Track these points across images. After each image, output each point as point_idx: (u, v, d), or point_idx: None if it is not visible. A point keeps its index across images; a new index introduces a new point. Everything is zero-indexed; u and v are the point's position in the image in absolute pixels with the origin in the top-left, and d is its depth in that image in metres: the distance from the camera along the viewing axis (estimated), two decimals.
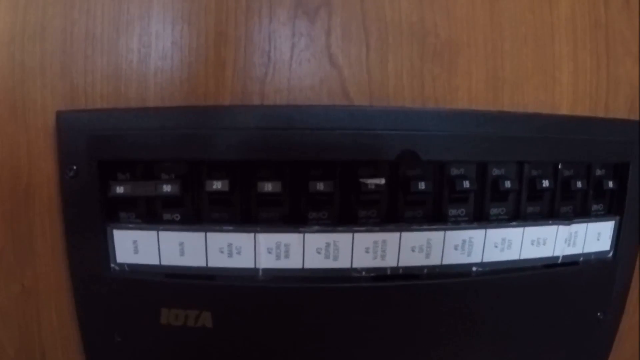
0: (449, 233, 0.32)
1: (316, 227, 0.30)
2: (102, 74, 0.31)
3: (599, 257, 0.37)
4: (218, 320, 0.30)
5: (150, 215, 0.31)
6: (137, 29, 0.31)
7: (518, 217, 0.34)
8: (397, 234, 0.31)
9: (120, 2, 0.31)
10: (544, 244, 0.34)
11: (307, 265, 0.31)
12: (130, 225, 0.30)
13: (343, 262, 0.31)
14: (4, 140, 0.32)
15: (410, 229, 0.31)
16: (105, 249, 0.30)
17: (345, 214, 0.31)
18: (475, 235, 0.32)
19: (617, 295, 0.38)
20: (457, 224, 0.32)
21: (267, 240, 0.30)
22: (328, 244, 0.30)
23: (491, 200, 0.33)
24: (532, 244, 0.34)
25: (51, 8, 0.31)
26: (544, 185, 0.33)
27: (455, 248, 0.32)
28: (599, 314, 0.38)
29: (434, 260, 0.32)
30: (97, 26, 0.31)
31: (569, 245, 0.35)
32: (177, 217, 0.30)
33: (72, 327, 0.33)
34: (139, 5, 0.31)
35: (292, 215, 0.31)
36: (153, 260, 0.30)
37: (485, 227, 0.33)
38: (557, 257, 0.35)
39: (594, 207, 0.37)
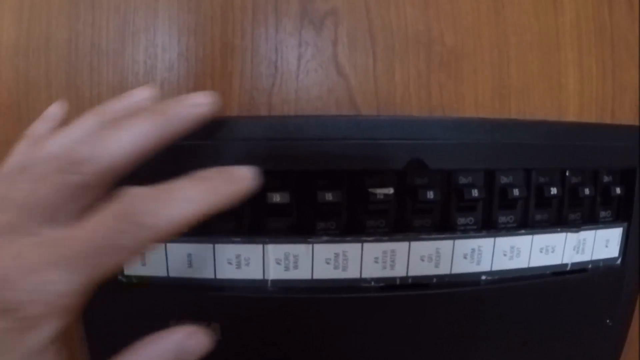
0: (458, 242, 0.32)
1: (325, 238, 0.30)
2: (107, 85, 0.31)
3: (607, 263, 0.37)
4: (227, 331, 0.30)
5: None
6: (142, 40, 0.31)
7: (526, 225, 0.34)
8: (406, 244, 0.31)
9: (125, 14, 0.31)
10: (553, 251, 0.34)
11: (316, 276, 0.30)
12: None
13: (352, 273, 0.30)
14: (8, 154, 0.31)
15: (419, 239, 0.31)
16: None
17: (353, 224, 0.31)
18: (484, 243, 0.32)
19: (626, 302, 0.38)
20: (465, 232, 0.32)
21: (276, 251, 0.30)
22: (337, 254, 0.30)
23: (499, 208, 0.33)
24: (541, 251, 0.34)
25: (56, 20, 0.31)
26: (551, 192, 0.33)
27: (464, 257, 0.32)
28: (607, 320, 0.37)
29: (443, 269, 0.32)
30: (103, 38, 0.31)
31: (577, 252, 0.35)
32: None
33: (77, 339, 0.33)
34: (145, 17, 0.31)
35: (301, 226, 0.30)
36: (161, 272, 0.30)
37: (494, 236, 0.32)
38: (566, 265, 0.35)
39: (602, 213, 0.37)
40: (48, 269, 0.19)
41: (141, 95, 0.26)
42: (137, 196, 0.20)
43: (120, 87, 0.31)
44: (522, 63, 0.34)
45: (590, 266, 0.36)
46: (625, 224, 0.37)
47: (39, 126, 0.26)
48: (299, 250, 0.30)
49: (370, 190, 0.30)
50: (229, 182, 0.23)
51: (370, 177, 0.30)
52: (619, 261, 0.37)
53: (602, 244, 0.36)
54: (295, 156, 0.28)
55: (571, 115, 0.35)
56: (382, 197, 0.30)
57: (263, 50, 0.31)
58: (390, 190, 0.30)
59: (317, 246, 0.30)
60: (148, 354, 0.22)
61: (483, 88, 0.33)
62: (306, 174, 0.29)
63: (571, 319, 0.36)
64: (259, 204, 0.28)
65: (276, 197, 0.29)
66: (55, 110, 0.27)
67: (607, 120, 0.36)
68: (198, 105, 0.24)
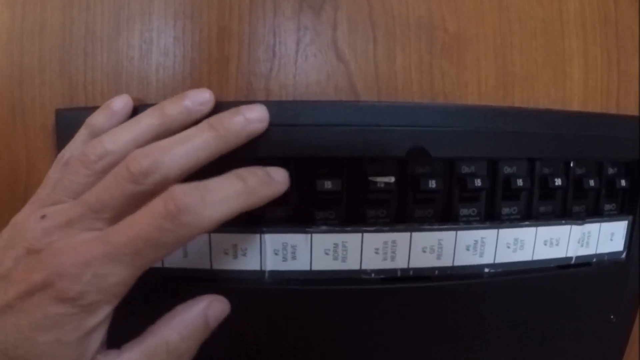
0: (460, 233, 0.31)
1: (324, 227, 0.29)
2: (102, 71, 0.30)
3: (612, 257, 0.36)
4: (222, 323, 0.29)
5: None
6: (138, 24, 0.30)
7: (530, 216, 0.33)
8: (407, 234, 0.30)
9: None
10: (557, 244, 0.34)
11: (315, 267, 0.30)
12: None
13: (352, 264, 0.30)
14: (1, 141, 0.31)
15: (421, 229, 0.30)
16: None
17: (353, 214, 0.30)
18: (487, 235, 0.31)
19: (630, 298, 0.37)
20: (468, 223, 0.31)
21: (274, 241, 0.29)
22: (336, 245, 0.29)
23: (503, 199, 0.32)
24: (545, 244, 0.33)
25: (50, 5, 0.30)
26: (556, 183, 0.32)
27: (467, 249, 0.31)
28: (611, 316, 0.37)
29: (446, 261, 0.31)
30: (97, 23, 0.30)
31: (582, 245, 0.35)
32: None
33: None
34: (140, 1, 0.30)
35: (299, 215, 0.30)
36: (155, 263, 0.29)
37: (498, 227, 0.32)
38: (570, 258, 0.34)
39: (607, 206, 0.36)
40: (101, 264, 0.22)
41: (197, 98, 0.26)
42: (180, 195, 0.22)
43: (115, 72, 0.30)
44: (526, 51, 0.33)
45: (594, 260, 0.35)
46: (630, 218, 0.36)
47: (100, 117, 0.28)
48: (297, 240, 0.29)
49: (371, 178, 0.29)
50: (266, 185, 0.25)
51: (371, 165, 0.29)
52: (623, 255, 0.37)
53: (606, 237, 0.36)
54: (293, 142, 0.27)
55: (576, 104, 0.35)
56: (382, 185, 0.29)
57: (261, 34, 0.30)
58: (392, 179, 0.29)
59: (315, 236, 0.29)
60: (179, 321, 0.25)
61: (486, 75, 0.32)
62: (305, 161, 0.29)
63: (574, 314, 0.35)
64: None
65: None
66: (119, 104, 0.28)
67: (612, 110, 0.36)
68: (253, 121, 0.26)
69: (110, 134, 0.25)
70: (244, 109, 0.26)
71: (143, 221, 0.22)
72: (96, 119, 0.28)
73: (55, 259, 0.22)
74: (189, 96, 0.26)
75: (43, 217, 0.24)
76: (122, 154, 0.24)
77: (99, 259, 0.22)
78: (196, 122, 0.26)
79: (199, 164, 0.24)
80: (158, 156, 0.23)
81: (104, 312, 0.23)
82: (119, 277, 0.22)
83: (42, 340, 0.22)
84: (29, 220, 0.24)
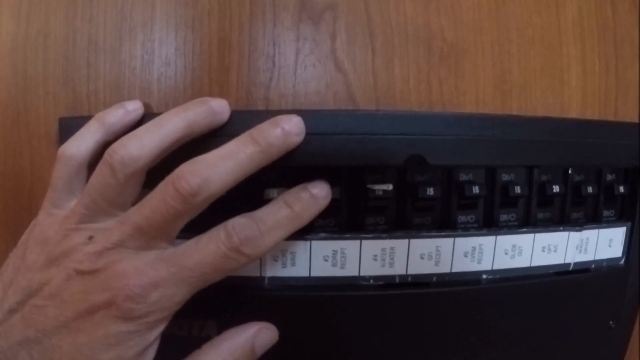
0: (459, 240, 0.31)
1: (323, 234, 0.30)
2: (105, 81, 0.31)
3: (610, 264, 0.36)
4: (223, 329, 0.29)
5: None
6: (140, 35, 0.31)
7: (528, 223, 0.33)
8: (405, 241, 0.30)
9: (123, 10, 0.31)
10: (555, 250, 0.34)
11: (314, 274, 0.30)
12: None
13: (350, 270, 0.30)
14: (6, 150, 0.31)
15: (419, 236, 0.30)
16: None
17: (352, 221, 0.30)
18: (485, 242, 0.32)
19: (629, 304, 0.38)
20: (466, 230, 0.32)
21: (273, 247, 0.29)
22: (335, 252, 0.30)
23: (501, 206, 0.32)
24: (543, 250, 0.33)
25: (53, 16, 0.31)
26: (554, 190, 0.33)
27: (465, 255, 0.31)
28: (610, 322, 0.37)
29: (444, 267, 0.31)
30: (100, 33, 0.31)
31: (580, 252, 0.35)
32: None
33: None
34: (142, 13, 0.31)
35: None
36: None
37: (495, 234, 0.32)
38: (569, 264, 0.34)
39: (605, 212, 0.36)
40: (167, 285, 0.23)
41: (219, 103, 0.27)
42: (241, 228, 0.24)
43: (117, 82, 0.30)
44: (524, 59, 0.33)
45: (593, 266, 0.35)
46: (629, 224, 0.36)
47: (114, 114, 0.28)
48: (297, 247, 0.30)
49: (369, 186, 0.29)
50: (311, 206, 0.27)
51: (370, 173, 0.30)
52: (622, 261, 0.37)
53: (605, 243, 0.36)
54: (292, 151, 0.27)
55: (574, 112, 0.35)
56: (381, 193, 0.29)
57: (261, 44, 0.30)
58: (390, 187, 0.29)
59: (314, 243, 0.30)
60: (228, 347, 0.26)
61: (484, 84, 0.32)
62: (304, 170, 0.29)
63: (573, 320, 0.35)
64: (255, 200, 0.28)
65: (273, 193, 0.29)
66: (133, 106, 0.28)
67: (610, 117, 0.36)
68: (292, 134, 0.26)
69: (134, 137, 0.25)
70: (283, 120, 0.26)
71: (208, 249, 0.24)
72: (110, 116, 0.27)
73: (120, 280, 0.23)
74: (210, 100, 0.26)
75: (90, 238, 0.24)
76: (150, 158, 0.25)
77: (166, 280, 0.23)
78: (218, 128, 0.27)
79: (241, 178, 0.25)
80: (206, 174, 0.23)
81: (162, 327, 0.24)
82: (182, 296, 0.24)
83: (103, 357, 0.22)
84: (69, 238, 0.24)
